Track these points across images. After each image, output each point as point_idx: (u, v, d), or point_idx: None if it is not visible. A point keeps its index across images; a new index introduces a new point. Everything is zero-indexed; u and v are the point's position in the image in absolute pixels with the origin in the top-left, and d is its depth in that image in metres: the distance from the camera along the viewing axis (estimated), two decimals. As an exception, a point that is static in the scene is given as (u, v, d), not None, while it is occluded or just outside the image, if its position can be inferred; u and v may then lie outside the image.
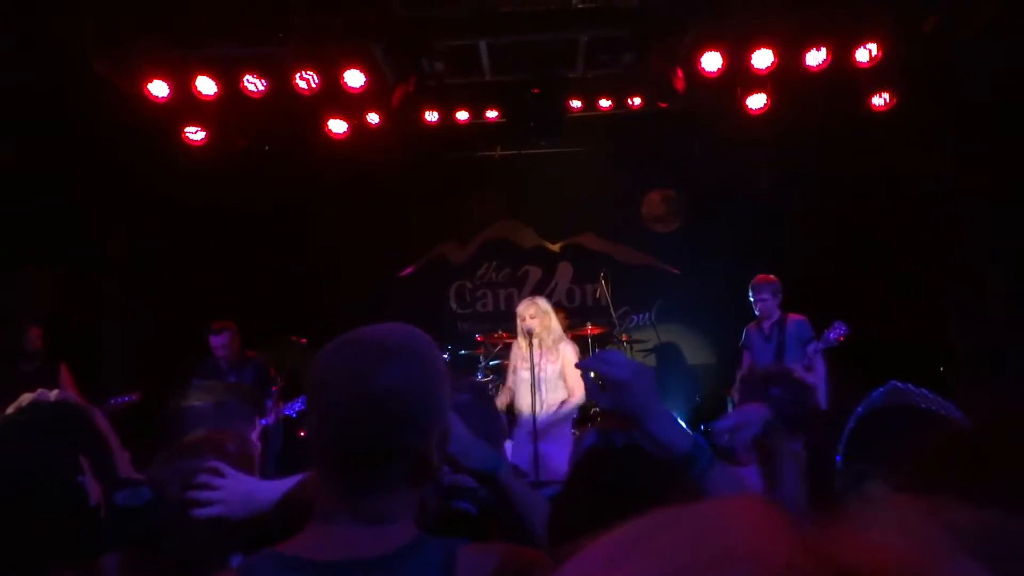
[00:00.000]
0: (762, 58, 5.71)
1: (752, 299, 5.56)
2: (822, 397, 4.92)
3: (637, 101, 7.05)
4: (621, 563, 0.38)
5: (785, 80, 5.99)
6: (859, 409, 0.97)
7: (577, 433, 6.72)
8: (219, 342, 5.53)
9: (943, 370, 6.77)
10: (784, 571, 0.36)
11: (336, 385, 1.09)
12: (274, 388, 5.61)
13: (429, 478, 1.16)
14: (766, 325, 5.53)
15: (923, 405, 0.97)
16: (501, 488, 1.42)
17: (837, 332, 5.03)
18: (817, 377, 5.05)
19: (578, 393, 5.08)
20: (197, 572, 1.59)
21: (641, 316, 8.77)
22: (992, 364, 6.37)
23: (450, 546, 1.09)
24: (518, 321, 5.18)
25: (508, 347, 6.93)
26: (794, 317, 5.45)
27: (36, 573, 1.16)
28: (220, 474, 1.62)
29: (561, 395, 5.16)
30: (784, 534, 0.39)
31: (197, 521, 1.57)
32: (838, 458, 0.97)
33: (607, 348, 7.18)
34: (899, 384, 0.99)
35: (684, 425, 1.27)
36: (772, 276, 5.57)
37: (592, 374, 1.34)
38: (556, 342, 5.19)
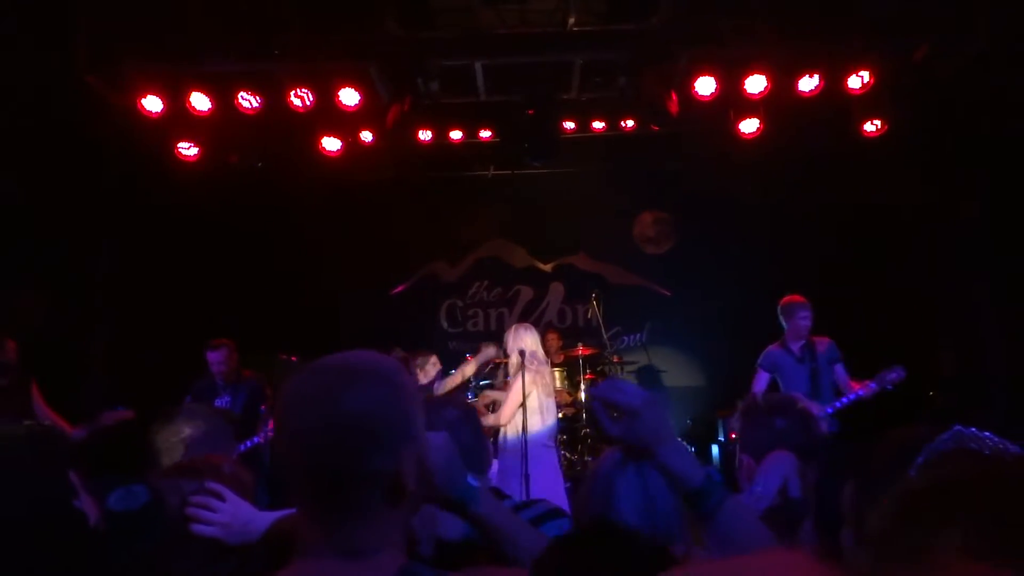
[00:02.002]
0: (755, 83, 5.75)
1: (789, 319, 5.36)
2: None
3: (630, 123, 7.08)
4: None
5: (778, 105, 6.03)
6: (919, 459, 0.93)
7: (568, 455, 6.72)
8: (216, 358, 5.48)
9: (932, 394, 6.79)
10: None
11: (302, 410, 1.06)
12: (263, 407, 5.55)
13: (405, 502, 1.12)
14: (795, 347, 5.38)
15: (988, 452, 0.93)
16: (475, 519, 1.36)
17: (897, 375, 4.93)
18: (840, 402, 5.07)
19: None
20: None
21: (632, 337, 8.77)
22: (982, 389, 6.40)
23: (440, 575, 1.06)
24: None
25: (498, 367, 6.92)
26: (821, 340, 5.37)
27: None
28: (220, 497, 1.59)
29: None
30: None
31: (192, 541, 1.54)
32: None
33: (615, 376, 7.18)
34: (963, 429, 0.95)
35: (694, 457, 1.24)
36: (801, 296, 5.44)
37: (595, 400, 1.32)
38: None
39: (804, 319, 5.32)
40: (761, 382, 5.47)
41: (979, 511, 0.46)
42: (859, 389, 5.06)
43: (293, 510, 1.74)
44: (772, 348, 5.50)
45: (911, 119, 6.19)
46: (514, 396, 5.13)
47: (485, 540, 1.38)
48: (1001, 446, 0.91)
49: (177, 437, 2.28)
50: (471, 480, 1.37)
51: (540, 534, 1.43)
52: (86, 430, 5.08)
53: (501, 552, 1.36)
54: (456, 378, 5.61)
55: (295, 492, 1.08)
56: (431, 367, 5.53)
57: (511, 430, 5.15)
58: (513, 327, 5.34)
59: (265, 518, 1.68)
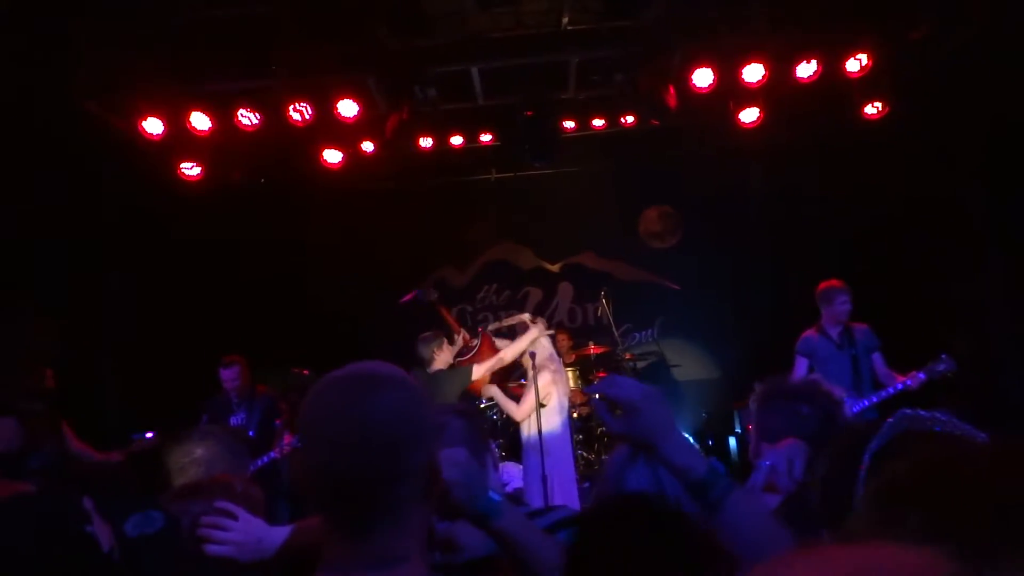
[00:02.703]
0: (753, 72, 5.73)
1: (827, 305, 5.30)
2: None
3: (630, 119, 7.07)
4: None
5: (777, 93, 6.01)
6: (872, 445, 0.93)
7: (585, 455, 6.72)
8: (229, 375, 5.50)
9: (951, 379, 6.72)
10: None
11: (331, 419, 1.08)
12: (277, 421, 5.57)
13: (429, 505, 1.14)
14: (834, 333, 5.31)
15: (939, 428, 0.93)
16: (498, 534, 1.37)
17: (946, 366, 4.84)
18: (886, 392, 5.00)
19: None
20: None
21: (643, 333, 8.75)
22: (989, 379, 6.33)
23: None
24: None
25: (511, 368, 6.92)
26: (859, 326, 5.31)
27: None
28: (232, 516, 1.60)
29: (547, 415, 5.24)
30: None
31: (206, 561, 1.54)
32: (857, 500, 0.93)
33: (615, 372, 7.16)
34: (908, 411, 0.95)
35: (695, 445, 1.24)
36: (839, 281, 5.38)
37: (599, 396, 1.31)
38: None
39: (843, 304, 5.25)
40: (800, 368, 5.36)
41: (934, 497, 0.45)
42: (907, 379, 4.93)
43: (305, 523, 1.75)
44: (809, 333, 5.41)
45: (912, 101, 6.15)
46: (532, 395, 5.17)
47: (506, 553, 1.39)
48: (948, 425, 0.91)
49: (189, 458, 2.28)
50: (492, 495, 1.38)
51: (561, 548, 1.43)
52: (118, 455, 5.19)
53: (522, 565, 1.37)
54: (494, 363, 5.48)
55: (321, 503, 1.10)
56: (445, 348, 5.49)
57: (535, 428, 5.16)
58: (540, 321, 5.37)
59: (278, 533, 1.69)
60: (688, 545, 1.13)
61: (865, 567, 0.39)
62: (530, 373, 5.23)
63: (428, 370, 5.20)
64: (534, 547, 1.39)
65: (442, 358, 5.30)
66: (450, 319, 6.18)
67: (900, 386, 4.96)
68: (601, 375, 7.04)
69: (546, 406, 5.23)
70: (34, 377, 5.11)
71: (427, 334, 5.35)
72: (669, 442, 1.21)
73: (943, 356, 4.88)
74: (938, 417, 0.96)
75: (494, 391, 5.40)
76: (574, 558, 1.23)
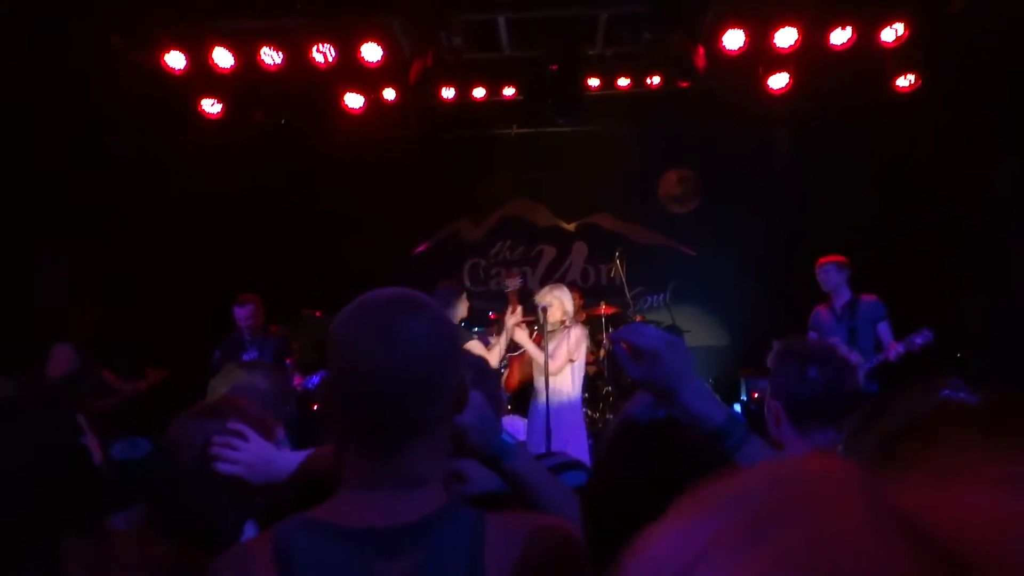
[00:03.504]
0: (785, 36, 5.62)
1: (818, 277, 5.53)
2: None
3: (656, 80, 6.96)
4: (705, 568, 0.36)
5: (808, 59, 5.89)
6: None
7: (589, 412, 6.76)
8: (243, 314, 5.55)
9: (960, 356, 6.70)
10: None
11: (362, 339, 1.08)
12: (288, 361, 5.63)
13: (452, 427, 1.18)
14: (837, 305, 5.45)
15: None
16: (509, 474, 1.41)
17: (924, 339, 4.92)
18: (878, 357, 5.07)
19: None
20: (212, 532, 1.59)
21: (655, 297, 8.74)
22: (1012, 350, 6.30)
23: (478, 515, 1.09)
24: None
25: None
26: (867, 298, 5.39)
27: (48, 546, 1.14)
28: (243, 436, 1.62)
29: (561, 380, 5.27)
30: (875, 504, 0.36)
31: (214, 479, 1.57)
32: None
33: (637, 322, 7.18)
34: (950, 392, 0.94)
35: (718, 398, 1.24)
36: (835, 256, 5.52)
37: (624, 345, 1.32)
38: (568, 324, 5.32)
39: (822, 273, 5.46)
40: None
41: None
42: (888, 352, 5.06)
43: (319, 451, 1.77)
44: (819, 307, 5.58)
45: (945, 74, 6.03)
46: (565, 350, 5.18)
47: (517, 493, 1.43)
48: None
49: (247, 384, 2.27)
50: (505, 437, 1.42)
51: (567, 488, 1.46)
52: (142, 385, 5.41)
53: (531, 502, 1.40)
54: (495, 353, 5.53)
55: (348, 423, 1.11)
56: (462, 304, 5.51)
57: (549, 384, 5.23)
58: (562, 287, 5.36)
59: (289, 458, 1.72)
60: (708, 465, 1.14)
61: (785, 473, 0.39)
62: (564, 331, 5.25)
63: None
64: (543, 486, 1.43)
65: (455, 312, 5.33)
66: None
67: (881, 358, 5.09)
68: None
69: (574, 361, 5.28)
70: (84, 307, 5.39)
71: (449, 285, 5.37)
72: (689, 389, 1.21)
73: (924, 330, 4.97)
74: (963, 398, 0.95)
75: (522, 337, 5.35)
76: (596, 483, 1.25)
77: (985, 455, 0.39)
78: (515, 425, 6.13)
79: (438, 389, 1.10)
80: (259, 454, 1.63)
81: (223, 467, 1.58)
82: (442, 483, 1.14)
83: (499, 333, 5.43)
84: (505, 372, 6.00)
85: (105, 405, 5.32)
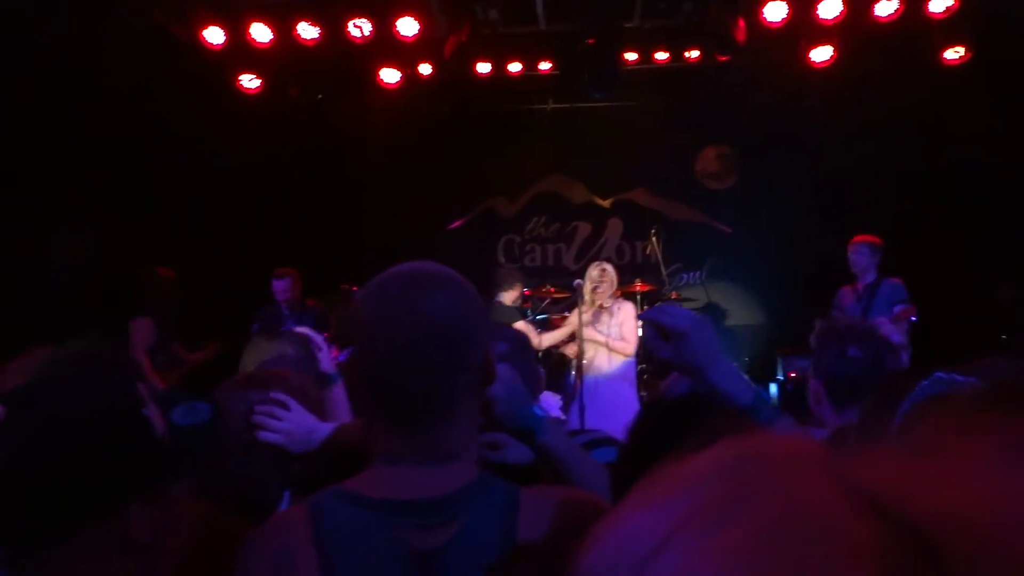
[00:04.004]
0: (829, 8, 5.49)
1: (849, 255, 5.56)
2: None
3: (695, 54, 6.84)
4: (669, 550, 0.35)
5: (852, 32, 5.74)
6: (904, 405, 0.92)
7: (646, 395, 6.77)
8: (281, 286, 5.64)
9: (1005, 338, 6.55)
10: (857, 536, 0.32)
11: (389, 314, 1.09)
12: (325, 335, 5.69)
13: (481, 401, 1.19)
14: (860, 286, 5.47)
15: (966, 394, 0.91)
16: (540, 447, 1.42)
17: (906, 314, 4.94)
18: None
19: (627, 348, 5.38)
20: (254, 499, 1.63)
21: (691, 275, 8.66)
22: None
23: (511, 488, 1.10)
24: (587, 284, 5.30)
25: (556, 302, 6.95)
26: (891, 280, 5.38)
27: (113, 513, 1.18)
28: (285, 406, 1.65)
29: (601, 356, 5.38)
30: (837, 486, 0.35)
31: (258, 447, 1.60)
32: None
33: (667, 301, 7.14)
34: (943, 374, 0.93)
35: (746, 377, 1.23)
36: (871, 236, 5.51)
37: (646, 326, 1.32)
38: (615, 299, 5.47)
39: (853, 255, 5.46)
40: None
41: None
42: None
43: (348, 423, 1.80)
44: (843, 287, 5.59)
45: (995, 47, 5.83)
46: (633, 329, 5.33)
47: (547, 466, 1.44)
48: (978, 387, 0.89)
49: (279, 354, 2.33)
50: (536, 410, 1.43)
51: (597, 464, 1.46)
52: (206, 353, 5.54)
53: (561, 476, 1.41)
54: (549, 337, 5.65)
55: (376, 398, 1.12)
56: (516, 289, 5.63)
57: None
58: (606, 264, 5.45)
59: (326, 429, 1.75)
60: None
61: (749, 453, 0.38)
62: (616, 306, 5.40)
63: (495, 297, 5.34)
64: (574, 461, 1.43)
65: (508, 296, 5.49)
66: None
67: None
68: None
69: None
70: (159, 279, 5.54)
71: (510, 269, 5.46)
72: (716, 368, 1.22)
73: (908, 305, 5.04)
74: (971, 382, 0.94)
75: (594, 335, 5.47)
76: (624, 458, 1.25)
77: (958, 434, 0.39)
78: (548, 401, 6.16)
79: (463, 365, 1.10)
80: (300, 424, 1.66)
81: (265, 436, 1.62)
82: (473, 456, 1.15)
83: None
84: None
85: (176, 376, 5.43)
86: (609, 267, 5.43)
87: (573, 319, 5.55)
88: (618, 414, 5.14)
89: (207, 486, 1.60)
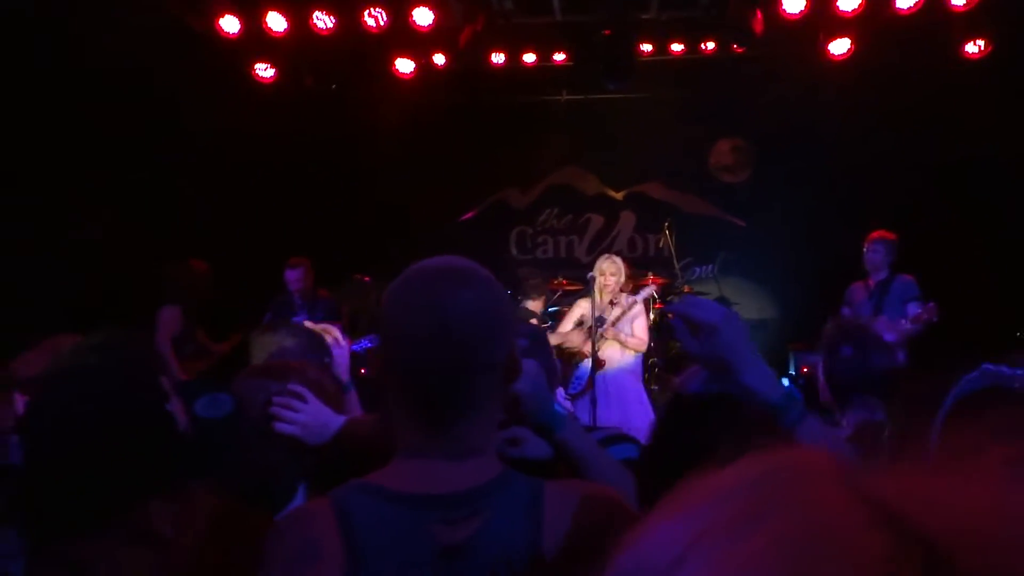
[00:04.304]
0: (849, 0, 5.42)
1: (864, 251, 5.50)
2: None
3: (711, 46, 6.78)
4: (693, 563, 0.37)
5: (872, 24, 5.68)
6: (949, 398, 0.91)
7: (657, 389, 6.76)
8: (294, 276, 5.65)
9: (1021, 335, 6.49)
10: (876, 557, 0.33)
11: (413, 312, 1.09)
12: (336, 325, 5.70)
13: (505, 397, 1.19)
14: (872, 282, 5.44)
15: (1017, 386, 0.90)
16: (560, 444, 1.42)
17: (928, 314, 4.84)
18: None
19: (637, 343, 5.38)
20: (269, 489, 1.63)
21: (704, 268, 8.63)
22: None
23: (536, 482, 1.10)
24: (597, 277, 5.26)
25: (568, 294, 6.93)
26: (903, 277, 5.34)
27: (134, 506, 1.18)
28: (302, 398, 1.65)
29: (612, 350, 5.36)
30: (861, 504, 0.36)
31: (274, 438, 1.61)
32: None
33: (694, 294, 7.12)
34: (991, 366, 0.92)
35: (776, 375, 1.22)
36: (887, 233, 5.45)
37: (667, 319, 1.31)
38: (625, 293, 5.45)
39: (872, 252, 5.40)
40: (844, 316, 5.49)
41: None
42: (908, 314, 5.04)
43: (358, 418, 1.80)
44: (855, 283, 5.55)
45: (1018, 41, 5.75)
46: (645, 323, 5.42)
47: (566, 462, 1.44)
48: None
49: (278, 346, 2.36)
50: (557, 407, 1.44)
51: (614, 460, 1.47)
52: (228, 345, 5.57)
53: (578, 472, 1.42)
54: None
55: (401, 394, 1.12)
56: (541, 300, 5.67)
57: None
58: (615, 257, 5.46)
59: (341, 422, 1.75)
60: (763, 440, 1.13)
61: (770, 467, 0.41)
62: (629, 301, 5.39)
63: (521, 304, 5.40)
64: (592, 457, 1.44)
65: (534, 305, 5.52)
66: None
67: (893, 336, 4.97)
68: (659, 307, 6.99)
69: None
70: (191, 269, 5.56)
71: (535, 281, 5.61)
72: (746, 365, 1.19)
73: (929, 304, 4.91)
74: (1019, 375, 0.93)
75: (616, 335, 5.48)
76: (651, 456, 1.25)
77: (969, 448, 0.41)
78: (559, 396, 6.17)
79: (489, 362, 1.10)
80: (316, 416, 1.66)
81: (281, 427, 1.62)
82: (495, 451, 1.15)
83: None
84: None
85: (202, 366, 5.43)
86: (619, 259, 5.42)
87: (577, 309, 5.53)
88: (626, 408, 5.16)
89: (224, 476, 1.61)
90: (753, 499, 0.38)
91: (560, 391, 5.98)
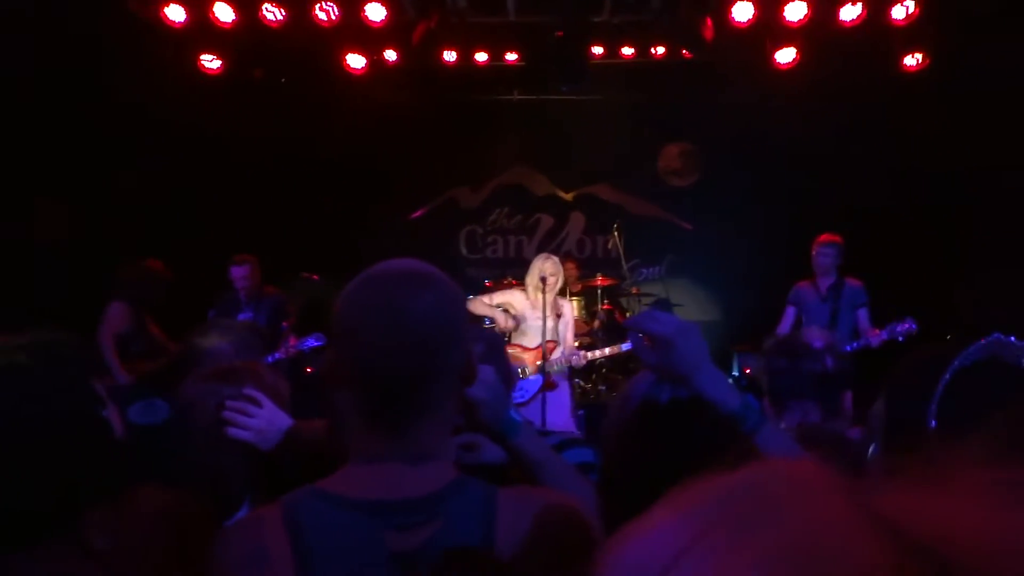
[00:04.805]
0: (795, 10, 5.57)
1: (813, 256, 5.51)
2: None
3: (661, 50, 6.87)
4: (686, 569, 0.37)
5: (816, 35, 5.84)
6: (955, 362, 0.93)
7: (581, 383, 6.80)
8: (240, 273, 5.53)
9: (949, 338, 6.74)
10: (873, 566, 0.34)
11: (374, 318, 1.07)
12: (285, 324, 5.62)
13: (459, 402, 1.19)
14: (823, 285, 5.48)
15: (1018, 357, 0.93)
16: (516, 450, 1.41)
17: (907, 327, 4.88)
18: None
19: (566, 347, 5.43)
20: (220, 494, 1.59)
21: (651, 270, 8.75)
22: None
23: (490, 488, 1.10)
24: (535, 273, 5.23)
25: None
26: (852, 282, 5.42)
27: (70, 517, 1.13)
28: (257, 403, 1.61)
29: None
30: (859, 518, 0.37)
31: (226, 442, 1.57)
32: (930, 419, 0.93)
33: (652, 306, 7.20)
34: (1002, 337, 0.95)
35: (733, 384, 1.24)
36: (835, 236, 5.50)
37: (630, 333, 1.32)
38: (558, 297, 5.46)
39: (822, 256, 5.43)
40: (788, 317, 5.59)
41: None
42: (870, 337, 5.04)
43: (304, 423, 1.77)
44: (801, 284, 5.60)
45: (953, 54, 5.98)
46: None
47: (520, 466, 1.44)
48: None
49: (207, 348, 2.31)
50: (513, 414, 1.42)
51: (571, 467, 1.47)
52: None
53: (533, 478, 1.41)
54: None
55: (359, 399, 1.10)
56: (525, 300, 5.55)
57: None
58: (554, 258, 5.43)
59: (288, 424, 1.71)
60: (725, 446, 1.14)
61: (769, 474, 0.41)
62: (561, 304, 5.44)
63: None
64: (548, 463, 1.44)
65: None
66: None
67: (863, 343, 5.06)
68: (606, 307, 7.06)
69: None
70: (144, 268, 5.41)
71: (493, 336, 5.43)
72: (703, 375, 1.21)
73: (907, 317, 4.97)
74: None
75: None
76: (614, 462, 1.25)
77: (970, 463, 0.41)
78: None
79: (444, 368, 1.09)
80: (272, 422, 1.63)
81: (235, 432, 1.58)
82: (450, 456, 1.14)
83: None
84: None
85: (149, 366, 5.27)
86: (557, 260, 5.38)
87: (508, 297, 5.50)
88: (556, 411, 5.18)
89: (173, 479, 1.56)
90: (755, 504, 0.38)
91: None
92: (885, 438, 1.12)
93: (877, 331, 5.04)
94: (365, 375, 1.08)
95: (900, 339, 4.95)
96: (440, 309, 1.08)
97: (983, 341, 0.94)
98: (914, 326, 4.91)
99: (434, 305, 1.08)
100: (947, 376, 0.90)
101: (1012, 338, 0.93)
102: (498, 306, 5.44)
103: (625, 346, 5.34)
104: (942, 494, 0.38)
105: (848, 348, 5.12)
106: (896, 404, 1.11)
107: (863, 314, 5.34)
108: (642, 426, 1.26)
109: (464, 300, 1.18)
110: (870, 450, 1.25)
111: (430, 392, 1.09)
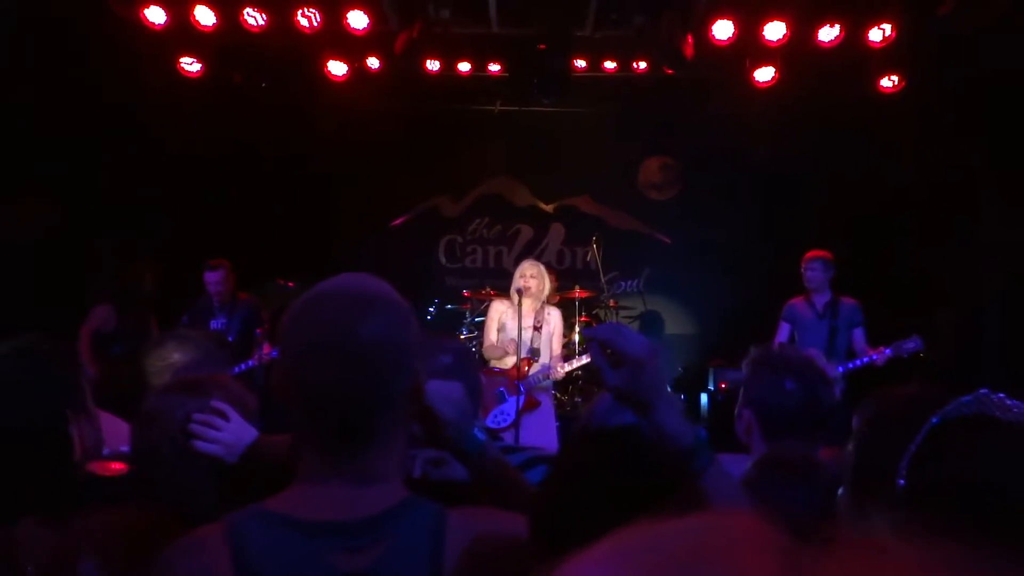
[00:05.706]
0: (774, 30, 5.63)
1: (803, 273, 5.47)
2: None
3: (643, 65, 6.92)
4: None
5: (795, 54, 5.91)
6: (934, 419, 0.89)
7: (558, 395, 6.79)
8: (213, 278, 5.48)
9: (922, 356, 6.81)
10: None
11: (320, 340, 1.05)
12: (258, 331, 5.57)
13: (409, 425, 1.17)
14: (819, 302, 5.42)
15: (1004, 416, 0.88)
16: (478, 469, 1.39)
17: (913, 345, 4.90)
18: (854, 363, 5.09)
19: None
20: (188, 509, 1.56)
21: (629, 283, 8.77)
22: (974, 353, 6.43)
23: (439, 509, 1.08)
24: (517, 278, 5.22)
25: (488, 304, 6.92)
26: (847, 301, 5.39)
27: (4, 521, 1.11)
28: (225, 416, 1.59)
29: (546, 358, 5.31)
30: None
31: (193, 456, 1.54)
32: (899, 477, 0.89)
33: (617, 321, 7.19)
34: (988, 393, 0.90)
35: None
36: (822, 252, 5.46)
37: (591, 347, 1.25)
38: (545, 305, 5.40)
39: (811, 271, 5.39)
40: (782, 334, 5.52)
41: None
42: (873, 354, 5.03)
43: (268, 437, 1.74)
44: (795, 301, 5.55)
45: (930, 77, 6.07)
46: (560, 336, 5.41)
47: (482, 485, 1.41)
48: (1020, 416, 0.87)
49: (165, 362, 2.27)
50: (477, 432, 1.39)
51: (532, 486, 1.45)
52: None
53: (495, 497, 1.39)
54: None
55: (308, 421, 1.09)
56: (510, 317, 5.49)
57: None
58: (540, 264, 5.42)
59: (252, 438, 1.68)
60: (664, 475, 1.10)
61: (707, 526, 0.41)
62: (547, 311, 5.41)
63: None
64: (509, 483, 1.42)
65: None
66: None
67: (867, 359, 5.06)
68: (584, 319, 7.06)
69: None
70: (134, 276, 5.63)
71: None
72: (664, 405, 1.11)
73: (913, 335, 4.98)
74: (1015, 407, 0.91)
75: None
76: (549, 490, 1.23)
77: (907, 539, 0.41)
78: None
79: (393, 395, 1.08)
80: (239, 435, 1.60)
81: (202, 446, 1.55)
82: (400, 476, 1.13)
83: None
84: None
85: (128, 370, 5.21)
86: (541, 265, 5.38)
87: (494, 313, 5.47)
88: (546, 425, 5.14)
89: (139, 491, 1.53)
90: (691, 558, 0.38)
91: (487, 418, 5.94)
92: (852, 483, 1.10)
93: (881, 349, 5.01)
94: (311, 401, 1.07)
95: (905, 356, 4.95)
96: (389, 334, 1.06)
97: (967, 398, 0.89)
98: (920, 344, 4.91)
99: (383, 330, 1.06)
100: (920, 437, 0.88)
101: (1000, 395, 0.89)
102: (498, 330, 5.40)
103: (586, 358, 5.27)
104: (871, 559, 0.39)
105: (850, 366, 5.13)
106: (864, 452, 1.08)
107: (859, 333, 5.30)
108: (585, 454, 1.22)
109: (415, 320, 1.13)
110: (839, 491, 1.20)
111: (379, 419, 1.07)
